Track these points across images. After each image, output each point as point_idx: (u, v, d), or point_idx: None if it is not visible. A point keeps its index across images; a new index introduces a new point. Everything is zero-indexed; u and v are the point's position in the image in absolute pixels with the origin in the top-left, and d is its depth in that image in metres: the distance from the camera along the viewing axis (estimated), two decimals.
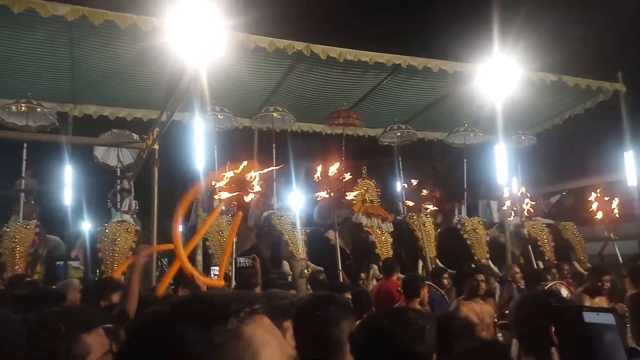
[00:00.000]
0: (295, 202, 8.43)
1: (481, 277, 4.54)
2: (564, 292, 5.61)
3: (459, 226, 9.51)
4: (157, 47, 6.64)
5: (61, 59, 7.88)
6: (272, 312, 2.05)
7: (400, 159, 10.79)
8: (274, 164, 9.61)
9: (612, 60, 13.24)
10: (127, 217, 8.29)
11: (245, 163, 5.54)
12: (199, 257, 6.40)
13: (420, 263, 8.86)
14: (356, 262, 8.44)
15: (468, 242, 9.20)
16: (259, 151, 10.06)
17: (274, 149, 9.65)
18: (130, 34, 6.92)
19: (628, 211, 9.93)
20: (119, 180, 9.17)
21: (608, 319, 1.17)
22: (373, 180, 9.43)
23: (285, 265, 7.57)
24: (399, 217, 9.68)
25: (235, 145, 9.71)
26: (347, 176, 8.31)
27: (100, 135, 9.21)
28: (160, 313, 0.65)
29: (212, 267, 6.88)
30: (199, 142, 6.69)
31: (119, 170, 9.48)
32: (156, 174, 7.49)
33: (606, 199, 9.64)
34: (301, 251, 7.68)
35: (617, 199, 9.68)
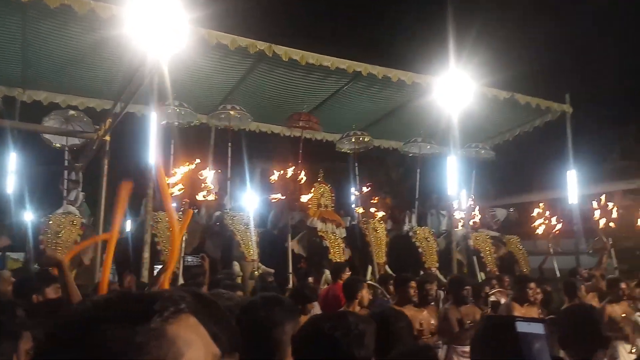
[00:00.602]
0: (249, 202, 8.37)
1: (413, 284, 4.65)
2: (503, 302, 5.83)
3: (410, 234, 9.69)
4: (115, 36, 6.47)
5: (12, 40, 7.53)
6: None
7: (356, 165, 10.92)
8: (230, 163, 9.54)
9: (561, 82, 13.89)
10: (72, 208, 7.99)
11: (198, 160, 5.48)
12: (146, 255, 6.25)
13: (370, 268, 8.97)
14: (309, 266, 8.45)
15: (420, 250, 9.38)
16: (215, 149, 9.94)
17: (229, 148, 9.56)
18: (88, 20, 6.71)
19: (568, 227, 10.43)
20: (66, 172, 8.84)
21: (538, 328, 1.24)
22: (328, 185, 9.50)
23: (236, 266, 7.50)
24: (353, 222, 9.78)
25: (191, 141, 9.56)
26: (303, 179, 8.33)
27: (47, 116, 8.86)
28: (81, 311, 0.63)
29: (155, 265, 6.68)
30: (153, 136, 6.54)
31: (66, 160, 9.12)
32: (106, 166, 7.27)
33: (548, 214, 10.07)
34: (252, 252, 7.62)
35: (558, 216, 10.13)
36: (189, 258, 6.56)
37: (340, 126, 10.99)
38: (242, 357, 1.83)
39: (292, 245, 8.00)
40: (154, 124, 6.50)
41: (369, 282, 5.85)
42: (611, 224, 10.23)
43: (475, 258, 9.39)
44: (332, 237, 8.60)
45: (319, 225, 8.64)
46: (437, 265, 9.23)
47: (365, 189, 10.14)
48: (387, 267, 8.98)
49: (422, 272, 8.61)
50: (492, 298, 6.10)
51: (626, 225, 11.15)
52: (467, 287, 4.97)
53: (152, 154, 6.38)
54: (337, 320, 1.60)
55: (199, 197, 7.26)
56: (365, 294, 4.23)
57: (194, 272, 5.31)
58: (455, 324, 4.76)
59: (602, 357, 2.45)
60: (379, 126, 11.24)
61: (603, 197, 10.52)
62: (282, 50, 7.90)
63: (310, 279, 6.28)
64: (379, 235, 9.22)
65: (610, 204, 10.37)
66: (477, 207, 10.79)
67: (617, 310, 5.66)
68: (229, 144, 9.59)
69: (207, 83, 9.11)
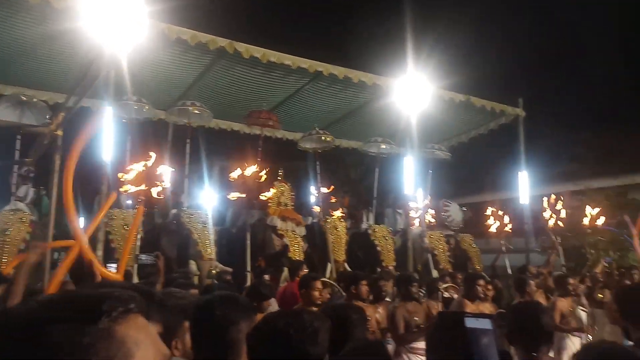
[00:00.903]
0: (207, 200, 8.28)
1: (364, 282, 4.72)
2: (455, 297, 6.00)
3: (369, 232, 9.81)
4: (70, 28, 6.26)
5: None
6: (170, 311, 2.00)
7: (317, 164, 10.96)
8: (188, 161, 9.39)
9: (515, 86, 14.39)
10: (22, 205, 7.68)
11: (154, 157, 5.37)
12: (99, 253, 6.09)
13: (330, 266, 9.03)
14: (267, 264, 8.43)
15: (378, 248, 9.51)
16: (173, 146, 9.77)
17: (188, 145, 9.42)
18: (40, 10, 6.47)
19: (519, 227, 10.81)
20: (16, 166, 8.48)
21: (486, 324, 1.28)
22: (288, 184, 9.50)
23: (193, 265, 7.40)
24: (314, 220, 9.81)
25: (147, 138, 9.36)
26: (263, 177, 8.30)
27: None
28: (27, 312, 0.62)
29: (108, 265, 6.48)
30: (109, 131, 6.38)
31: (17, 151, 8.74)
32: (57, 162, 7.02)
33: (501, 214, 10.40)
34: (210, 251, 7.54)
35: (510, 215, 10.47)
36: (143, 256, 6.42)
37: (300, 125, 11.01)
38: (196, 356, 1.83)
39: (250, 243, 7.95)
40: (109, 119, 6.33)
41: (326, 279, 5.89)
42: (560, 224, 10.68)
43: (430, 256, 9.61)
44: (292, 235, 8.62)
45: (279, 223, 8.65)
46: (394, 263, 9.39)
47: (324, 188, 10.20)
48: (346, 264, 9.08)
49: (379, 270, 8.74)
50: (446, 294, 6.27)
51: (573, 224, 11.67)
52: (415, 284, 5.04)
53: (106, 150, 6.22)
54: (292, 317, 1.62)
55: (155, 194, 7.11)
56: (317, 292, 4.23)
57: (147, 271, 5.21)
58: (401, 321, 4.79)
59: (547, 351, 2.56)
60: (339, 126, 11.34)
61: (552, 198, 10.97)
62: (243, 48, 7.84)
63: (267, 277, 6.27)
64: (339, 234, 9.30)
65: (559, 205, 10.83)
66: (433, 207, 11.03)
67: (565, 305, 5.96)
68: (188, 141, 9.44)
69: (165, 78, 8.95)
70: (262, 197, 8.18)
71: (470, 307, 5.04)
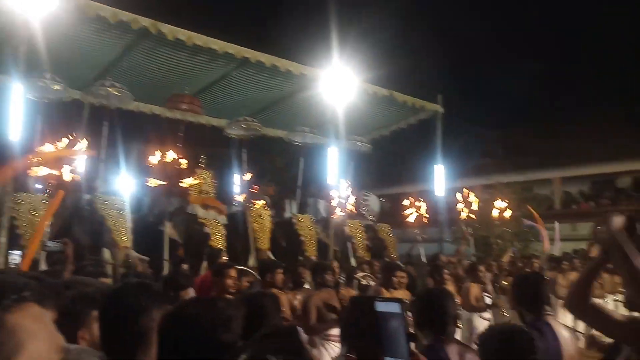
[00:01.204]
0: (124, 186, 7.94)
1: (280, 271, 4.80)
2: (372, 284, 6.21)
3: (294, 221, 9.88)
4: None
5: None
6: (77, 300, 1.93)
7: (243, 151, 10.81)
8: (104, 144, 8.96)
9: (435, 83, 15.01)
10: None
11: (67, 139, 5.10)
12: (3, 239, 5.68)
13: (253, 255, 9.01)
14: (188, 253, 8.27)
15: (302, 237, 9.61)
16: (88, 128, 9.25)
17: (105, 128, 8.97)
18: None
19: (434, 217, 11.37)
20: None
21: (395, 308, 1.32)
22: (211, 171, 9.33)
23: (106, 253, 7.10)
24: (238, 209, 9.70)
25: (61, 119, 8.80)
26: (184, 164, 8.10)
27: None
28: None
29: (10, 251, 6.03)
30: (17, 110, 5.94)
31: None
32: None
33: (417, 205, 10.89)
34: (125, 239, 7.26)
35: (425, 206, 10.99)
36: (50, 243, 6.06)
37: (225, 112, 10.84)
38: (104, 346, 1.78)
39: (169, 231, 7.76)
40: (18, 97, 5.90)
41: (244, 268, 5.87)
42: (471, 216, 11.36)
43: (349, 244, 9.87)
44: (214, 223, 8.50)
45: (200, 212, 8.49)
46: (316, 253, 9.54)
47: (249, 176, 10.14)
48: (269, 253, 9.10)
49: (301, 258, 8.87)
50: (363, 282, 6.48)
51: (483, 216, 12.45)
52: (330, 272, 5.09)
53: (14, 131, 5.80)
54: (204, 305, 1.61)
55: (66, 178, 6.74)
56: (231, 280, 4.22)
57: (55, 259, 4.94)
58: (314, 311, 4.84)
59: (453, 333, 2.73)
60: (266, 114, 11.27)
61: (465, 191, 11.63)
62: (167, 29, 7.57)
63: (185, 266, 6.16)
64: (263, 222, 9.30)
65: (472, 198, 11.51)
66: (354, 197, 11.30)
67: (476, 290, 6.42)
68: (105, 123, 8.99)
69: (83, 57, 8.43)
70: (182, 185, 7.99)
71: (386, 295, 5.25)
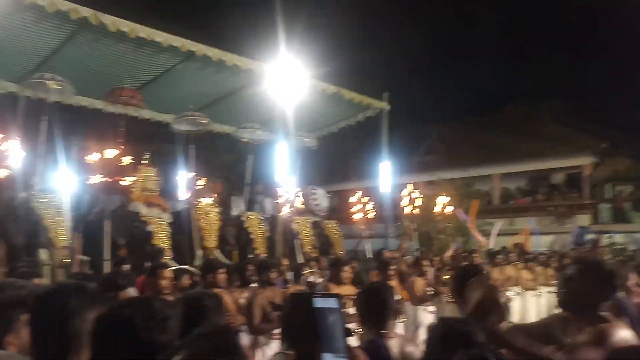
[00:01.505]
0: (63, 184, 7.61)
1: (221, 270, 4.80)
2: (319, 281, 6.29)
3: (242, 219, 9.81)
4: None
5: None
6: (5, 304, 1.87)
7: (190, 147, 10.57)
8: (42, 140, 8.58)
9: (381, 80, 15.27)
10: None
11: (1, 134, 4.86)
12: None
13: (200, 254, 8.88)
14: (129, 253, 8.04)
15: (251, 236, 9.55)
16: (25, 123, 8.81)
17: (43, 122, 8.57)
18: None
19: (379, 214, 11.61)
20: None
21: (332, 303, 1.35)
22: (154, 168, 9.10)
23: (43, 254, 6.80)
24: (184, 206, 9.52)
25: None
26: (126, 160, 7.87)
27: None
28: None
29: None
30: None
31: None
32: None
33: (364, 201, 11.07)
34: (63, 239, 6.98)
35: (372, 203, 11.19)
36: None
37: (170, 106, 10.60)
38: (34, 350, 1.73)
39: (110, 230, 7.51)
40: None
41: (184, 267, 5.77)
42: (415, 211, 11.65)
43: (297, 241, 9.91)
44: (157, 222, 8.31)
45: (143, 210, 8.28)
46: (266, 251, 9.51)
47: (194, 173, 9.97)
48: (217, 252, 9.00)
49: (250, 257, 8.82)
50: (310, 279, 6.54)
51: (427, 212, 12.81)
52: (275, 270, 5.12)
53: None
54: (139, 305, 1.59)
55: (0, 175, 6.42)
56: (165, 281, 4.16)
57: None
58: (258, 310, 4.84)
59: (394, 325, 2.81)
60: (212, 109, 11.08)
61: (410, 187, 11.92)
62: (109, 20, 7.31)
63: (127, 266, 6.00)
64: (211, 220, 9.18)
65: (415, 194, 11.80)
66: (302, 193, 11.35)
67: (420, 283, 6.63)
68: (43, 118, 8.59)
69: (18, 47, 8.02)
70: (123, 182, 7.76)
71: (334, 290, 5.34)
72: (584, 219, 20.35)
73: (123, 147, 8.13)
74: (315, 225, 10.86)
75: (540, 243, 14.29)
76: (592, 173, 21.43)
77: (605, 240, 17.13)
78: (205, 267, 5.17)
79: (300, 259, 9.35)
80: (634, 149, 21.37)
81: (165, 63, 9.13)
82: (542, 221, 20.13)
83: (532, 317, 8.78)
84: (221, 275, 4.77)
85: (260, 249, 9.47)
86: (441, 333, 1.84)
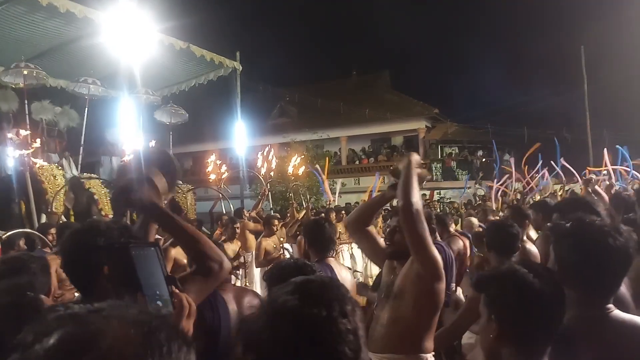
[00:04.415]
0: None
1: (52, 231, 4.47)
2: None
3: (82, 181, 9.03)
4: None
5: None
6: None
7: (26, 102, 9.22)
8: None
9: (234, 38, 14.92)
10: None
11: None
12: None
13: (44, 218, 7.97)
14: None
15: (95, 197, 8.88)
16: None
17: None
18: None
19: (235, 175, 11.58)
20: None
21: (151, 253, 1.29)
22: None
23: None
24: (21, 169, 8.36)
25: None
26: None
27: None
28: None
29: None
30: None
31: None
32: None
33: (219, 163, 10.92)
34: None
35: (227, 164, 11.10)
36: None
37: None
38: None
39: None
40: None
41: (28, 230, 5.21)
42: (270, 172, 11.83)
43: None
44: None
45: None
46: (112, 212, 8.90)
47: (28, 131, 8.80)
48: (63, 216, 8.20)
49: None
50: None
51: (280, 172, 13.10)
52: None
53: None
54: None
55: None
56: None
57: None
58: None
59: (229, 281, 2.92)
60: (45, 62, 9.83)
61: (266, 149, 12.03)
62: None
63: None
64: (57, 183, 8.34)
65: (270, 155, 11.96)
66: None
67: (270, 242, 6.77)
68: None
69: None
70: None
71: (178, 250, 5.23)
72: None
73: None
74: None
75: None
76: (425, 136, 23.79)
77: (436, 195, 19.30)
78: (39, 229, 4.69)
79: None
80: (459, 115, 24.22)
81: None
82: (384, 180, 21.91)
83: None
84: (50, 236, 4.40)
85: (107, 211, 8.82)
86: (284, 275, 1.88)
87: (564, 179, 11.58)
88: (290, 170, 12.73)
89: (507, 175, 12.86)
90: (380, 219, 9.93)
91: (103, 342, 0.57)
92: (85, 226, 1.58)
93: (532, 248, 3.54)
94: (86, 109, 10.37)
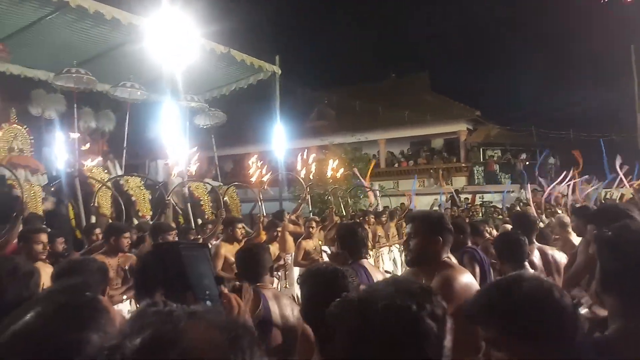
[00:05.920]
0: None
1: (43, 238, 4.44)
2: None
3: (121, 182, 9.25)
4: None
5: None
6: None
7: (75, 105, 9.53)
8: None
9: (273, 42, 15.05)
10: None
11: None
12: None
13: (94, 219, 8.19)
14: None
15: (133, 198, 9.06)
16: None
17: None
18: None
19: (274, 177, 11.60)
20: None
21: (202, 253, 1.33)
22: (25, 127, 8.18)
23: None
24: (68, 170, 8.66)
25: None
26: None
27: None
28: None
29: None
30: None
31: None
32: None
33: (260, 165, 10.97)
34: None
35: (267, 166, 11.15)
36: None
37: (42, 61, 9.55)
38: None
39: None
40: None
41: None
42: (309, 175, 11.83)
43: (191, 205, 9.57)
44: (27, 185, 7.52)
45: (7, 173, 7.43)
46: (151, 213, 9.09)
47: (78, 135, 9.11)
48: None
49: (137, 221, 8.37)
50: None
51: (319, 175, 13.08)
52: (126, 235, 4.71)
53: None
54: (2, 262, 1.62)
55: None
56: (40, 245, 3.85)
57: None
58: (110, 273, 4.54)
59: (271, 282, 2.95)
60: (91, 67, 10.17)
61: (305, 152, 12.04)
62: None
63: None
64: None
65: (311, 158, 11.96)
66: (197, 158, 10.97)
67: (310, 244, 6.77)
68: None
69: None
70: None
71: (226, 248, 5.28)
72: (461, 181, 22.18)
73: None
74: (212, 190, 10.56)
75: (423, 203, 15.27)
76: (467, 139, 23.30)
77: (478, 199, 18.85)
78: (110, 230, 4.74)
79: (193, 224, 9.04)
80: (501, 117, 23.60)
81: (33, 14, 8.15)
82: (424, 183, 21.64)
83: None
84: (125, 240, 4.48)
85: (145, 212, 9.00)
86: (316, 279, 1.86)
87: (621, 181, 11.00)
88: (329, 173, 12.69)
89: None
90: (394, 222, 9.80)
91: (188, 341, 0.64)
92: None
93: (535, 259, 3.62)
94: (127, 112, 10.66)
